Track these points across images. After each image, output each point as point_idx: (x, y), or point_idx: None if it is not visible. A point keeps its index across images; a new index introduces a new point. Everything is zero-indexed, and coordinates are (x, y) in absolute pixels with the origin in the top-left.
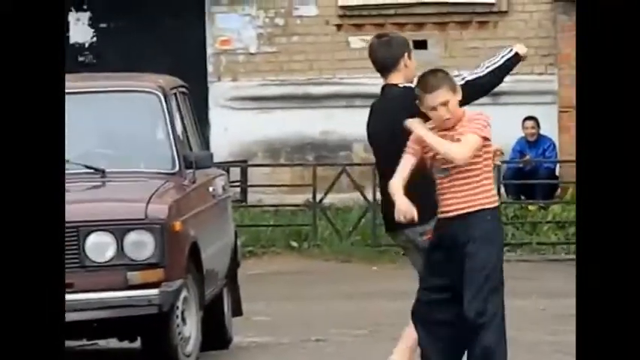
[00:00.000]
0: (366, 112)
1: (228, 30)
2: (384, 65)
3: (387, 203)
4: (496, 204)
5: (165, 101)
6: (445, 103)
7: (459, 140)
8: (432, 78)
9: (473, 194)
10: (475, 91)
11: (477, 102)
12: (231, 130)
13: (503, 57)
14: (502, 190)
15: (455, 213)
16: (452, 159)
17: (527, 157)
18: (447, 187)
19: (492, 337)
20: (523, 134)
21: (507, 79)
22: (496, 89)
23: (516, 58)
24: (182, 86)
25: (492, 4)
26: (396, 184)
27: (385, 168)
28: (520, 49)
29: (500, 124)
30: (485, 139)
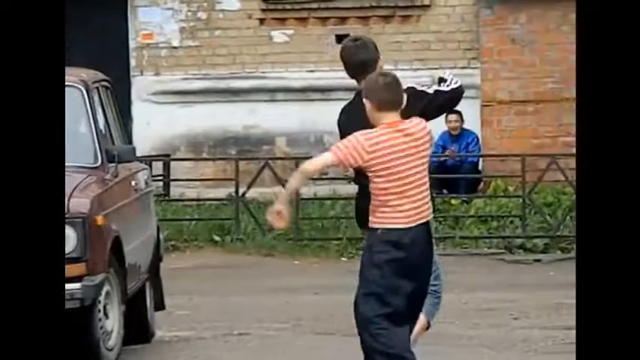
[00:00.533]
0: (289, 105)
1: (151, 24)
2: (363, 67)
3: (360, 200)
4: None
5: (88, 95)
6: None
7: None
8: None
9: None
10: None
11: None
12: (154, 124)
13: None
14: None
15: None
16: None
17: (453, 148)
18: None
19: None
20: (446, 128)
21: (429, 72)
22: (420, 83)
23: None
24: (105, 80)
25: None
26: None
27: None
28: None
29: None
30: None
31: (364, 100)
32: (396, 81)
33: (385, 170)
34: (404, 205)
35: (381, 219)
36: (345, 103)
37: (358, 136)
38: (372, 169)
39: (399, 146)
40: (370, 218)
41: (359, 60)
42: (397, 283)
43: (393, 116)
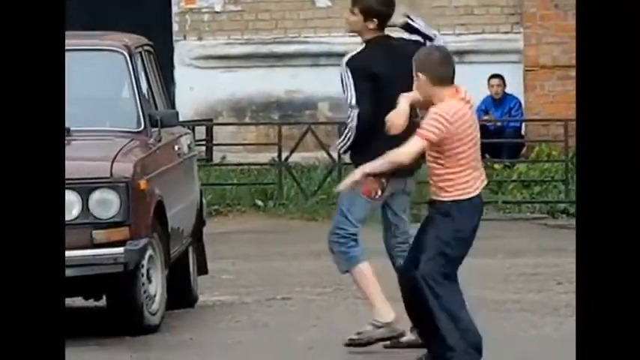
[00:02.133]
0: (331, 70)
1: None
2: (386, 22)
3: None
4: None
5: (131, 60)
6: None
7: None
8: None
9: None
10: None
11: None
12: (197, 88)
13: None
14: None
15: None
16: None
17: (491, 115)
18: None
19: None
20: (489, 92)
21: (472, 37)
22: (461, 48)
23: None
24: (147, 45)
25: None
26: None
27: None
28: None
29: (466, 83)
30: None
31: (419, 74)
32: (449, 54)
33: (466, 137)
34: (480, 170)
35: (465, 188)
36: None
37: (436, 111)
38: (455, 137)
39: (469, 114)
40: (446, 190)
41: (389, 13)
42: (466, 250)
43: (451, 87)
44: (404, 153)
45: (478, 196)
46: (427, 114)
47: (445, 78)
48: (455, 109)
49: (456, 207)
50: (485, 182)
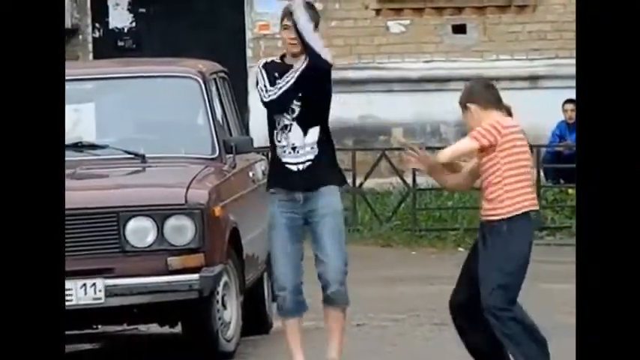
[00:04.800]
0: (405, 96)
1: (267, 14)
2: None
3: None
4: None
5: (205, 86)
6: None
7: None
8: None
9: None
10: None
11: (516, 86)
12: None
13: None
14: (541, 174)
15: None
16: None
17: (568, 141)
18: None
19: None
20: (563, 117)
21: (546, 62)
22: (535, 73)
23: None
24: (222, 71)
25: None
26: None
27: None
28: None
29: (540, 108)
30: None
31: (468, 105)
32: (489, 82)
33: (521, 147)
34: (532, 190)
35: (520, 202)
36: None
37: (491, 122)
38: (509, 144)
39: (521, 130)
40: (500, 206)
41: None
42: (526, 268)
43: (501, 111)
44: (450, 150)
45: (532, 212)
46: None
47: (493, 101)
48: (509, 123)
49: (511, 224)
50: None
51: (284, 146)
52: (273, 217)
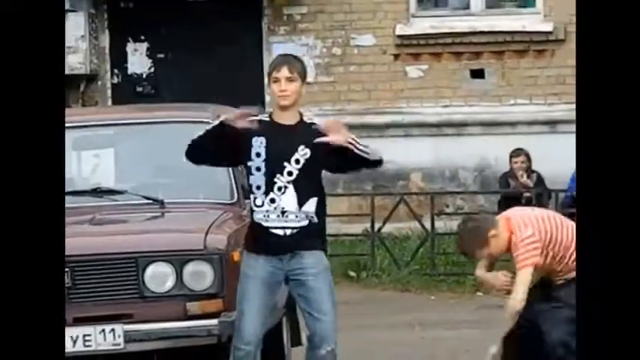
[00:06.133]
0: (424, 140)
1: None
2: None
3: None
4: None
5: None
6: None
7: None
8: None
9: None
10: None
11: (534, 130)
12: None
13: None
14: None
15: None
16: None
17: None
18: None
19: None
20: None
21: (565, 107)
22: (553, 118)
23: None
24: None
25: (549, 33)
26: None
27: None
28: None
29: (558, 152)
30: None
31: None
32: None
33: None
34: None
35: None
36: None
37: (517, 240)
38: (553, 237)
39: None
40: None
41: None
42: None
43: (501, 221)
44: (521, 292)
45: None
46: (514, 247)
47: (493, 221)
48: (526, 233)
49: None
50: None
51: (268, 210)
52: (251, 269)
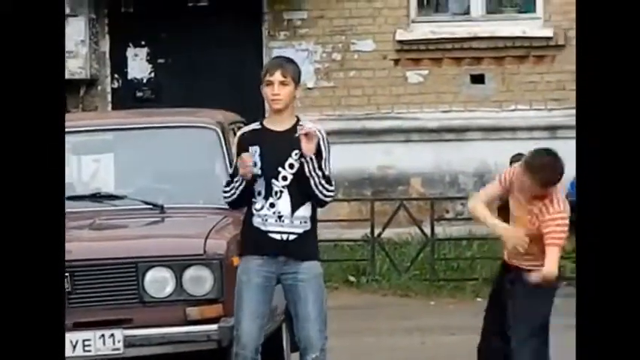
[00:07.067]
0: (424, 146)
1: None
2: None
3: None
4: None
5: (224, 136)
6: None
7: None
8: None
9: None
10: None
11: (534, 136)
12: None
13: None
14: None
15: None
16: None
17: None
18: None
19: None
20: None
21: (564, 112)
22: (553, 123)
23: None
24: (240, 121)
25: (549, 38)
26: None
27: None
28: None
29: None
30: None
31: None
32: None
33: None
34: None
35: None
36: (473, 143)
37: (564, 217)
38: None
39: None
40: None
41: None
42: None
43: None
44: (554, 261)
45: None
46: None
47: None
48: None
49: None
50: None
51: (266, 215)
52: (245, 274)
